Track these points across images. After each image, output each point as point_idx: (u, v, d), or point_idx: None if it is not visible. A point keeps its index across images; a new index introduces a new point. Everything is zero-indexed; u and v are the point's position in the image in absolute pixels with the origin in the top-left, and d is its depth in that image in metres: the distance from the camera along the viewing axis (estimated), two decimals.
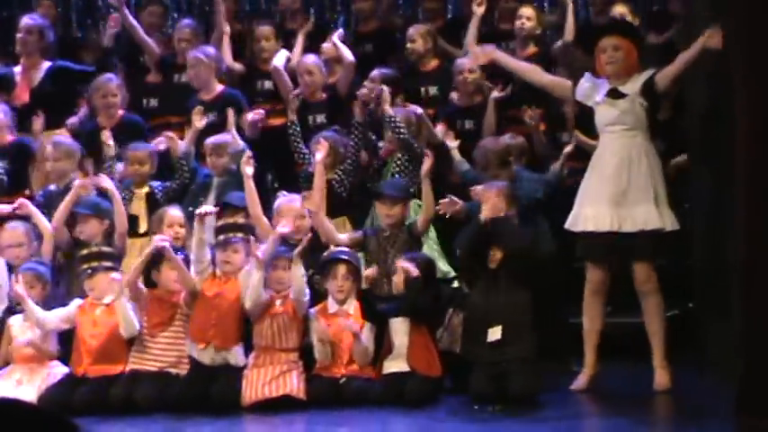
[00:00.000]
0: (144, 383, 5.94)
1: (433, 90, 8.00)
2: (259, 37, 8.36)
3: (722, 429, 5.28)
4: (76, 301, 6.42)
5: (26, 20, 8.45)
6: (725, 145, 5.80)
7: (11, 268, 6.73)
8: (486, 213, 6.10)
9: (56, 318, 6.31)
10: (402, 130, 7.07)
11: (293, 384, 6.07)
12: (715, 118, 6.24)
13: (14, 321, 6.45)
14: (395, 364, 6.15)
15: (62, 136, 7.73)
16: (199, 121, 7.50)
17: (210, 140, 7.43)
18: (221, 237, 6.35)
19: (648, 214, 6.02)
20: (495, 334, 6.03)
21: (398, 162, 7.21)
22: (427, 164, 6.62)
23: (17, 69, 8.26)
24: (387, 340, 6.22)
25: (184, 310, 6.37)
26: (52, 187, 7.34)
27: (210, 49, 7.97)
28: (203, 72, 7.77)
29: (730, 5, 5.69)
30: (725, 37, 5.84)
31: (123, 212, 6.90)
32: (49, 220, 6.95)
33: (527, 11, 8.11)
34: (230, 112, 7.68)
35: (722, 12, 5.88)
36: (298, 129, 7.51)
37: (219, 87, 7.84)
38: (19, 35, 8.25)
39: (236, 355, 6.22)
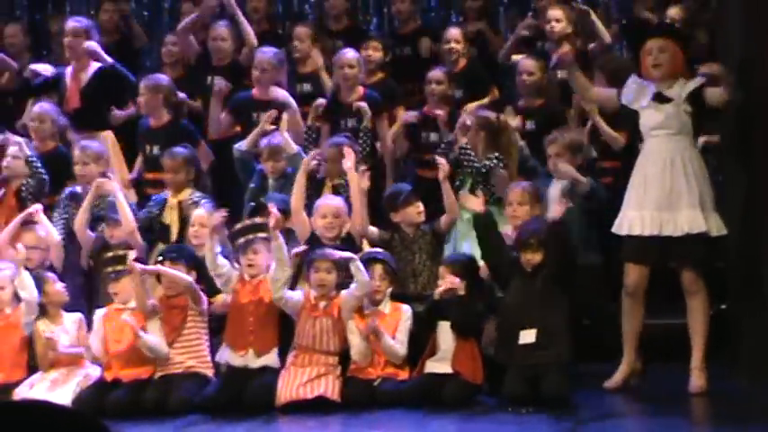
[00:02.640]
0: (176, 386, 5.98)
1: (458, 93, 8.12)
2: (295, 38, 8.46)
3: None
4: (98, 313, 6.42)
5: (72, 23, 8.50)
6: (759, 148, 5.89)
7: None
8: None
9: (94, 344, 6.29)
10: (472, 156, 7.06)
11: (328, 386, 6.15)
12: (750, 121, 6.29)
13: (43, 326, 6.46)
14: (438, 366, 6.21)
15: (90, 140, 7.77)
16: (267, 124, 7.50)
17: (265, 144, 7.50)
18: (241, 240, 6.39)
19: (693, 218, 6.09)
20: (527, 336, 6.09)
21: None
22: (444, 170, 6.67)
23: (68, 71, 8.32)
24: (432, 342, 6.26)
25: (195, 310, 6.38)
26: (78, 189, 7.41)
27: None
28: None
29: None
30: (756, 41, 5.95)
31: (126, 214, 6.85)
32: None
33: (555, 12, 8.16)
34: (284, 116, 7.68)
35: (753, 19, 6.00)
36: (314, 135, 7.66)
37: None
38: (66, 39, 8.30)
39: (273, 357, 6.30)
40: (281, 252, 6.20)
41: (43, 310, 6.54)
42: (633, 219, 6.21)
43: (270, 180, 7.48)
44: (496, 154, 7.12)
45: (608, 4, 9.56)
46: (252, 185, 7.48)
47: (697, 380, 6.14)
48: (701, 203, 6.15)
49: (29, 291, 6.50)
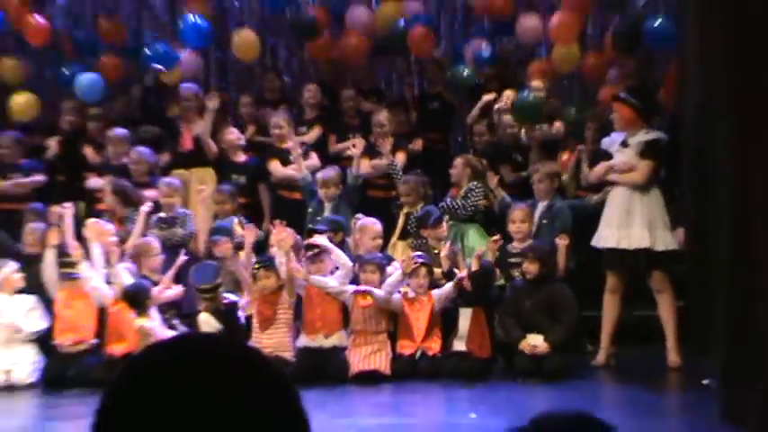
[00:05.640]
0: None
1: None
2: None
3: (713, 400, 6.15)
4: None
5: (185, 89, 9.70)
6: (708, 181, 6.90)
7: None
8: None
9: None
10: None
11: (381, 362, 7.39)
12: (701, 155, 7.21)
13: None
14: (458, 344, 7.47)
15: (172, 177, 8.97)
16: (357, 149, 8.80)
17: (320, 176, 8.67)
18: (310, 253, 7.64)
19: (641, 236, 7.29)
20: (535, 339, 7.21)
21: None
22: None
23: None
24: (456, 324, 7.54)
25: (285, 305, 7.53)
26: (162, 214, 8.52)
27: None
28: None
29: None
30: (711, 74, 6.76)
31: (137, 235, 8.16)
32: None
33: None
34: (358, 144, 8.83)
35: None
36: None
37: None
38: (184, 102, 9.55)
39: (341, 337, 7.55)
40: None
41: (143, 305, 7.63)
42: (604, 236, 7.42)
43: (326, 204, 8.69)
44: (475, 184, 8.31)
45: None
46: (309, 209, 8.69)
47: (674, 357, 7.29)
48: (650, 224, 7.32)
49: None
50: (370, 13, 10.53)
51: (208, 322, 7.68)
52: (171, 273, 7.96)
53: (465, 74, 10.32)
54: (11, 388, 7.73)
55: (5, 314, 7.90)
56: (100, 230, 8.07)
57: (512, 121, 9.14)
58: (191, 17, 10.16)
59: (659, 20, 9.51)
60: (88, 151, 9.67)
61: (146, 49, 10.21)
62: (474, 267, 7.56)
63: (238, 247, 8.15)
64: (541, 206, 8.13)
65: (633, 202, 7.44)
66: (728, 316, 6.18)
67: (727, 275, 6.22)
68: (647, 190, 7.45)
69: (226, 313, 7.77)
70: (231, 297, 7.89)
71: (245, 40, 10.51)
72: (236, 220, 8.66)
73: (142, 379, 1.40)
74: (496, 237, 7.96)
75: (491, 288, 7.68)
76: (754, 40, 5.88)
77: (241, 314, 7.87)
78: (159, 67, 10.02)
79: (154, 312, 7.74)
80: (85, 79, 10.09)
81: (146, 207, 8.55)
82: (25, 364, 7.89)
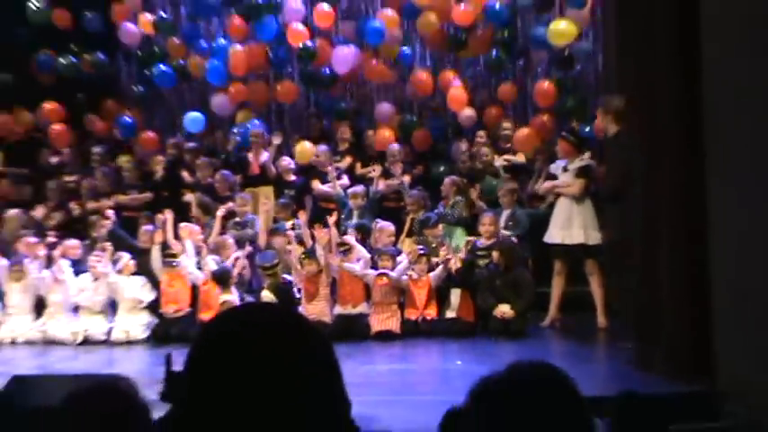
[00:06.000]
0: None
1: None
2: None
3: (630, 352, 6.25)
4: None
5: (255, 128, 9.95)
6: (624, 196, 6.79)
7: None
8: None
9: None
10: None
11: (394, 324, 7.75)
12: (620, 177, 6.95)
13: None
14: (450, 313, 7.82)
15: (245, 193, 9.23)
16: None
17: (350, 191, 9.00)
18: (341, 248, 7.91)
19: (578, 234, 7.67)
20: (503, 308, 7.54)
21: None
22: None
23: (250, 155, 9.74)
24: (448, 298, 7.85)
25: (324, 284, 7.74)
26: (237, 219, 8.84)
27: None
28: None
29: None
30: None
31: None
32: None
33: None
34: (377, 169, 9.13)
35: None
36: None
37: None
38: (253, 138, 9.76)
39: (364, 307, 7.93)
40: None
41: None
42: (552, 234, 7.82)
43: (354, 212, 9.00)
44: (459, 197, 8.62)
45: None
46: (342, 216, 8.92)
47: (602, 320, 7.64)
48: (584, 225, 7.67)
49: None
50: (393, 111, 10.44)
51: (268, 297, 7.90)
52: (242, 260, 8.27)
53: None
54: (130, 342, 8.01)
55: (127, 290, 8.26)
56: (191, 231, 8.45)
57: (487, 152, 9.39)
58: None
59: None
60: (184, 174, 9.90)
61: None
62: (461, 257, 7.93)
63: (299, 240, 8.30)
64: (506, 213, 8.39)
65: (572, 210, 7.74)
66: (636, 291, 6.23)
67: (635, 262, 6.26)
68: (582, 201, 7.75)
69: (283, 289, 7.99)
70: (288, 277, 8.14)
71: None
72: (288, 224, 8.77)
73: (221, 335, 1.43)
74: (471, 238, 8.25)
75: (476, 272, 7.86)
76: (657, 80, 5.76)
77: (296, 290, 8.09)
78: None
79: (234, 289, 8.01)
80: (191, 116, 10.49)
81: (221, 211, 8.81)
82: (140, 326, 8.19)
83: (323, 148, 9.81)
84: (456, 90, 10.09)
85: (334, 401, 1.43)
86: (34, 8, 10.52)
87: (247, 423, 1.37)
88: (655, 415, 3.41)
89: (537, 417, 1.53)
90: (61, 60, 10.79)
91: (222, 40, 10.69)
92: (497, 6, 9.87)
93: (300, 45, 10.22)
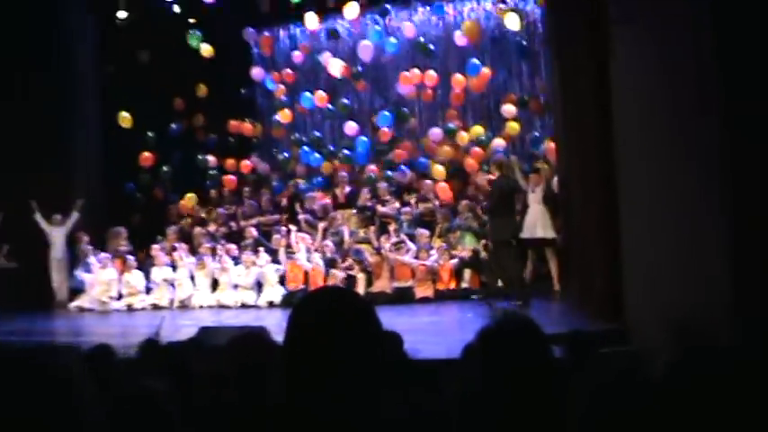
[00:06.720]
0: None
1: None
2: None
3: (573, 304, 6.47)
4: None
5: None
6: (572, 206, 7.03)
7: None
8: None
9: None
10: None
11: (429, 292, 8.47)
12: (570, 192, 7.07)
13: None
14: (464, 284, 8.54)
15: (336, 212, 9.58)
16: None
17: (403, 210, 9.24)
18: (395, 246, 8.56)
19: (541, 231, 8.03)
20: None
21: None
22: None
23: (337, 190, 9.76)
24: (463, 276, 8.47)
25: (386, 268, 8.51)
26: (332, 230, 9.35)
27: None
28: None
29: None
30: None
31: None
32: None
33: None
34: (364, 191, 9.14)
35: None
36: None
37: None
38: (340, 179, 9.87)
39: (411, 282, 8.68)
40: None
41: None
42: (526, 231, 8.02)
43: (404, 224, 9.22)
44: (469, 213, 8.86)
45: None
46: (396, 227, 8.99)
47: (557, 287, 7.90)
48: (543, 225, 8.02)
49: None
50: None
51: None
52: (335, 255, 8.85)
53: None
54: (270, 306, 8.71)
55: (268, 274, 9.12)
56: (303, 238, 9.18)
57: (485, 181, 9.05)
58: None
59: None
60: (297, 204, 10.15)
61: None
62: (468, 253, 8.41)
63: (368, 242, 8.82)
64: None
65: (537, 215, 8.09)
66: (578, 268, 6.70)
67: (577, 249, 6.66)
68: (544, 210, 8.09)
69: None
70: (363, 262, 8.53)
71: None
72: (361, 231, 9.31)
73: (312, 302, 1.48)
74: (484, 241, 8.43)
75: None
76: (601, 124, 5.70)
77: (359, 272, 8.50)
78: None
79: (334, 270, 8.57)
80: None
81: (322, 225, 9.40)
82: (278, 294, 9.01)
83: (384, 185, 10.06)
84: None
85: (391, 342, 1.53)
86: None
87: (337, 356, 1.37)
88: (589, 343, 3.54)
89: (518, 347, 1.61)
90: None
91: None
92: None
93: None
